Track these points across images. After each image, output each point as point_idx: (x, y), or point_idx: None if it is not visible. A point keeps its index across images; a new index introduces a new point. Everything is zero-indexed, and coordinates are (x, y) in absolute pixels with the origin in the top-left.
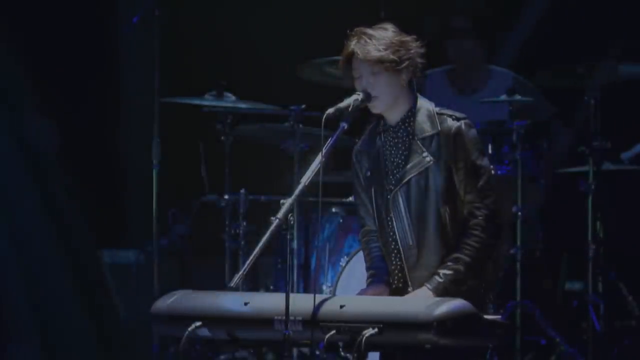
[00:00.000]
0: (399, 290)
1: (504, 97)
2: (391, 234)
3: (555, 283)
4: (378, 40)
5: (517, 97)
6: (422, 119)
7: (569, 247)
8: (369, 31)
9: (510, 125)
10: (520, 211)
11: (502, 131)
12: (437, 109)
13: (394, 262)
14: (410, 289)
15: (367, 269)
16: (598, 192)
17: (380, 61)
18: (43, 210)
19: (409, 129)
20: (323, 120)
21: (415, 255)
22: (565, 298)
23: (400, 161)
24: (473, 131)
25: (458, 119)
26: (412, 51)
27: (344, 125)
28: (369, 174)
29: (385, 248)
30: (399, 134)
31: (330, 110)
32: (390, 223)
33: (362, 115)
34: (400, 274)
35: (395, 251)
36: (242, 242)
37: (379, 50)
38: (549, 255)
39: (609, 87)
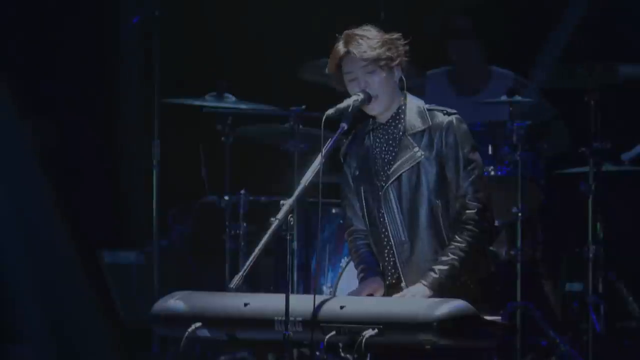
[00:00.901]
0: (393, 287)
1: (504, 97)
2: (383, 230)
3: (556, 284)
4: (370, 39)
5: (518, 98)
6: (412, 115)
7: (569, 248)
8: (358, 32)
9: (511, 126)
10: (520, 212)
11: (503, 132)
12: (426, 106)
13: (386, 259)
14: (403, 284)
15: (357, 265)
16: (598, 193)
17: (376, 59)
18: (47, 211)
19: (399, 125)
20: (323, 120)
21: (408, 250)
22: (566, 299)
23: (390, 157)
24: (464, 126)
25: (449, 114)
26: (400, 49)
27: (344, 125)
28: (357, 173)
29: (377, 246)
30: (389, 130)
31: (330, 111)
32: (382, 220)
33: (362, 116)
34: (393, 270)
35: (388, 248)
36: (242, 243)
37: (374, 49)
38: (549, 256)
39: (608, 88)
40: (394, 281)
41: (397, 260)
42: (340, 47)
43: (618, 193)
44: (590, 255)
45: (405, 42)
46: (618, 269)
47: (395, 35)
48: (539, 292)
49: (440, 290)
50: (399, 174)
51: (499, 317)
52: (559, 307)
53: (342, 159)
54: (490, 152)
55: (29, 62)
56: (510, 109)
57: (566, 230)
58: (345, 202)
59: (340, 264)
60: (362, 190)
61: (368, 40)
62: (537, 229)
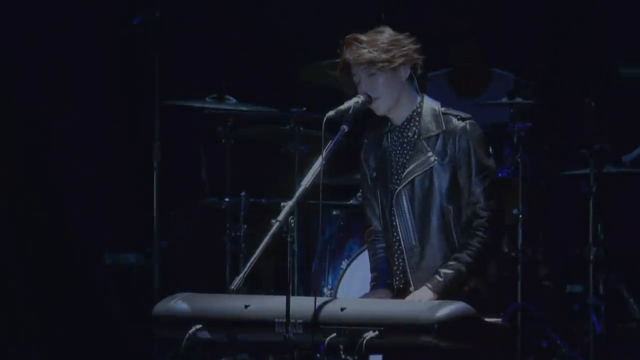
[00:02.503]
0: (401, 291)
1: (505, 99)
2: (395, 234)
3: (557, 285)
4: (369, 43)
5: (518, 99)
6: (427, 118)
7: (570, 249)
8: (361, 36)
9: (512, 128)
10: (521, 213)
11: (504, 133)
12: (442, 109)
13: (396, 263)
14: (412, 288)
15: (371, 270)
16: (599, 195)
17: (372, 62)
18: (42, 212)
19: (414, 128)
20: (324, 122)
21: (418, 255)
22: (567, 300)
23: (405, 161)
24: (478, 131)
25: (463, 119)
26: (405, 48)
27: (345, 127)
28: (374, 174)
29: (389, 248)
30: (404, 133)
31: (331, 113)
32: (394, 223)
33: (363, 118)
34: (402, 275)
35: (399, 252)
36: (243, 245)
37: (370, 52)
38: (550, 258)
39: (610, 89)
40: (401, 286)
41: (406, 265)
42: (343, 51)
43: (619, 194)
44: (591, 256)
45: (413, 40)
46: (619, 271)
47: (401, 36)
48: (540, 293)
49: (446, 294)
50: (411, 177)
51: (500, 319)
52: (560, 309)
53: (362, 157)
54: (490, 153)
55: (28, 67)
56: (511, 110)
57: (567, 231)
58: (365, 202)
59: (341, 266)
60: (378, 193)
61: (366, 45)
62: (538, 230)
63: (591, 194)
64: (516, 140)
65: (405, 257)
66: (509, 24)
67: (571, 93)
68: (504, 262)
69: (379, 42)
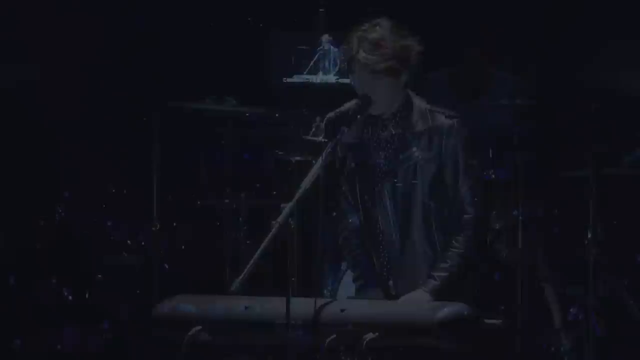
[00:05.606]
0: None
1: (505, 100)
2: (377, 226)
3: (556, 287)
4: (382, 47)
5: (518, 100)
6: (413, 114)
7: (570, 250)
8: (370, 36)
9: (512, 129)
10: (520, 215)
11: (504, 135)
12: (429, 106)
13: (381, 255)
14: (391, 282)
15: (352, 267)
16: (599, 196)
17: (385, 70)
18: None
19: (399, 123)
20: (324, 124)
21: (398, 250)
22: (566, 302)
23: (387, 154)
24: (465, 130)
25: (451, 117)
26: (412, 54)
27: (345, 129)
28: (353, 165)
29: (371, 239)
30: (389, 127)
31: (331, 115)
32: (375, 216)
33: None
34: (383, 268)
35: (381, 246)
36: (243, 246)
37: (385, 61)
38: (550, 259)
39: (610, 91)
40: (382, 277)
41: (386, 258)
42: (352, 48)
43: (619, 196)
44: (591, 258)
45: (419, 43)
46: (618, 272)
47: (409, 41)
48: (540, 294)
49: (440, 297)
50: (394, 172)
51: (500, 320)
52: (559, 310)
53: (338, 149)
54: (491, 155)
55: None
56: (512, 111)
57: (567, 233)
58: (339, 192)
59: (341, 268)
60: (357, 185)
61: (380, 50)
62: (538, 231)
63: (591, 195)
64: (516, 142)
65: (386, 251)
66: (509, 24)
67: (571, 93)
68: (503, 263)
69: (391, 50)
